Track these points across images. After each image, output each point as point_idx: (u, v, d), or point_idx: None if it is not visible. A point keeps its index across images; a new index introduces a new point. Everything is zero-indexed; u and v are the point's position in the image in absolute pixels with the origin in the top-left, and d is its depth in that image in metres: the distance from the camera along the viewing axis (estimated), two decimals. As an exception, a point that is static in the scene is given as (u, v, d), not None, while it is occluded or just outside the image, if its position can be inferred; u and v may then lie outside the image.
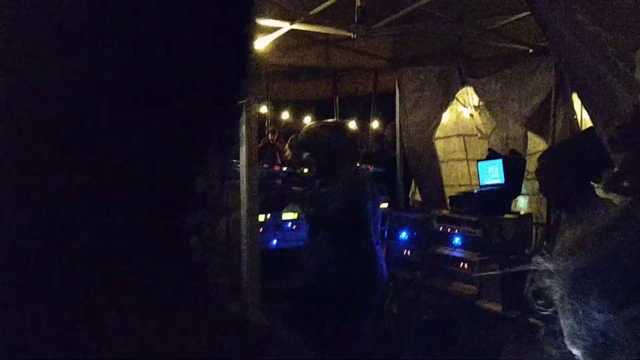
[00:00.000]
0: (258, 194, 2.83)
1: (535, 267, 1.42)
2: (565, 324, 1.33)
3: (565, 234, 1.41)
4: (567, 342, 1.33)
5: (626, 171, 1.35)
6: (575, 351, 1.34)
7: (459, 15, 5.71)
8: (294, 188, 5.68)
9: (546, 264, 1.37)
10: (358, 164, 6.63)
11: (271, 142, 10.57)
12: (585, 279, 1.27)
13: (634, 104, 1.64)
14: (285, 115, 13.30)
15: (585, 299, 1.26)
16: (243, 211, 2.84)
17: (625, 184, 1.36)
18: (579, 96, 3.71)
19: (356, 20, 5.15)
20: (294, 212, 5.36)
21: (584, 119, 5.50)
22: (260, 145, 10.07)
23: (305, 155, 4.69)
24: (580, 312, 1.26)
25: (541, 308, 1.41)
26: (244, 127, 2.80)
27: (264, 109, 11.40)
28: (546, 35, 3.73)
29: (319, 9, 5.44)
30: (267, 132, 10.08)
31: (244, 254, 2.89)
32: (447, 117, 7.31)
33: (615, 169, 1.38)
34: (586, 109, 3.55)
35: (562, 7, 3.41)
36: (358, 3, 5.04)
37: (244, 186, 2.81)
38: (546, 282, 1.34)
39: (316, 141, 4.54)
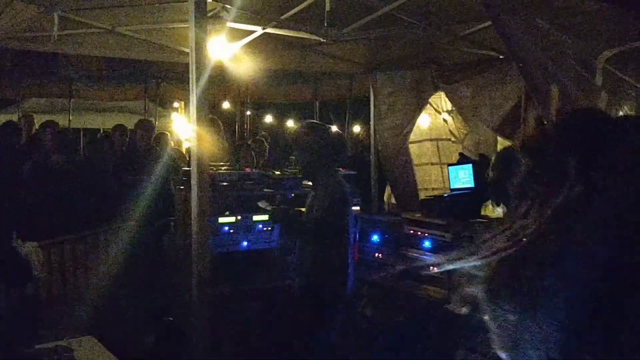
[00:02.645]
0: (208, 196, 2.86)
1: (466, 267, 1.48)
2: (489, 327, 1.39)
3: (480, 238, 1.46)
4: (494, 345, 1.39)
5: (528, 178, 1.42)
6: (502, 355, 1.39)
7: (430, 21, 5.76)
8: (265, 190, 5.72)
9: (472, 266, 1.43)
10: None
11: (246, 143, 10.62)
12: (493, 283, 1.32)
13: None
14: (268, 118, 13.43)
15: (497, 301, 1.31)
16: (193, 214, 2.88)
17: (526, 189, 1.42)
18: (536, 100, 3.76)
19: (326, 24, 5.20)
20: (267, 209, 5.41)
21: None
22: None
23: (294, 153, 4.78)
24: (496, 313, 1.31)
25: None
26: (194, 127, 2.84)
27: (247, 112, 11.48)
28: (505, 40, 3.77)
29: (290, 13, 5.50)
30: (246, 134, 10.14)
31: (194, 257, 2.92)
32: (421, 121, 7.36)
33: (520, 177, 1.45)
34: (542, 113, 3.59)
35: (521, 13, 3.47)
36: (327, 8, 5.08)
37: (194, 188, 2.84)
38: (470, 286, 1.40)
39: (306, 141, 4.59)
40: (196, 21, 2.87)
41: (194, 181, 2.85)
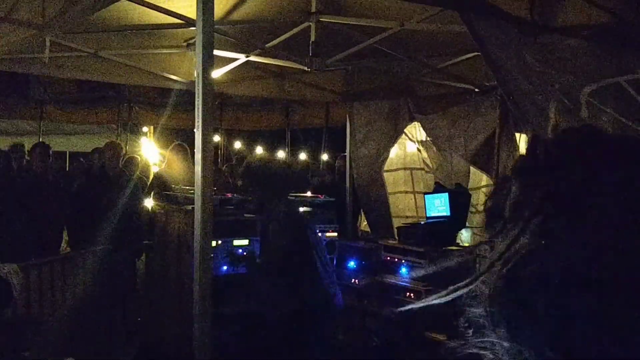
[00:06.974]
0: (211, 220, 2.92)
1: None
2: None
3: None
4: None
5: (520, 200, 1.45)
6: None
7: (409, 54, 5.95)
8: (246, 215, 5.77)
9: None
10: (308, 193, 6.84)
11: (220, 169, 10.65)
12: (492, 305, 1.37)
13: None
14: (237, 144, 13.50)
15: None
16: (196, 237, 2.93)
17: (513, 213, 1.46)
18: (527, 131, 3.89)
19: (310, 54, 5.33)
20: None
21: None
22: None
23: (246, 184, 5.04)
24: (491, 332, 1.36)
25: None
26: (199, 154, 2.90)
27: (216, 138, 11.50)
28: (495, 75, 3.90)
29: (274, 42, 5.62)
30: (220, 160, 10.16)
31: (196, 280, 2.97)
32: (395, 150, 7.52)
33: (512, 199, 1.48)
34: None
35: (512, 49, 3.62)
36: (312, 38, 5.22)
37: (197, 212, 2.90)
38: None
39: (254, 176, 4.85)
40: (203, 48, 2.96)
41: (197, 205, 2.91)
